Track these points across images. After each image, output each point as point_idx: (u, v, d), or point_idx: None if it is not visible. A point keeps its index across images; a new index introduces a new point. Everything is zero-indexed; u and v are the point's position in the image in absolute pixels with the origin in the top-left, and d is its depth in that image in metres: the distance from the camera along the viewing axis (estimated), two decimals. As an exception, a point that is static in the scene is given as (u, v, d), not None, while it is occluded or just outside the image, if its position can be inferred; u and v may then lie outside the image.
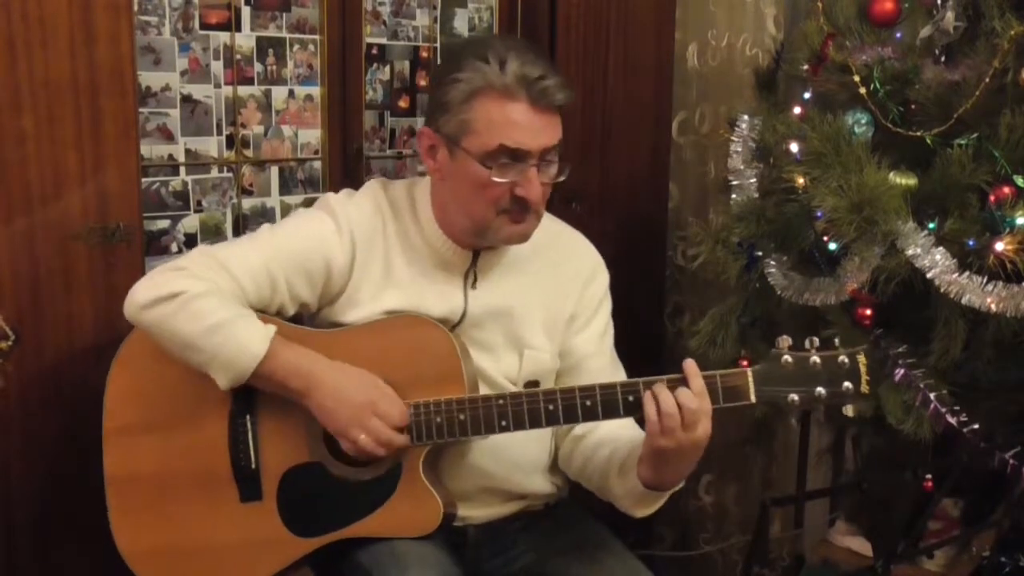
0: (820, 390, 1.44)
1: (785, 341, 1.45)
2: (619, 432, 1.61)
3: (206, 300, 1.50)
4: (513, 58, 1.49)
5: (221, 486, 1.58)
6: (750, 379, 1.44)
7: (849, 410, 1.47)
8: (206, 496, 1.58)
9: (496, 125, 1.49)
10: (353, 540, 1.55)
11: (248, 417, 1.58)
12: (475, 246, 1.63)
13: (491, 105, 1.50)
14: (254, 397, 1.57)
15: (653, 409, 1.42)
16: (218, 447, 1.58)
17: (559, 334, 1.69)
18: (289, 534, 1.57)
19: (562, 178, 1.57)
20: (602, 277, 1.74)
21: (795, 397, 1.44)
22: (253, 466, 1.58)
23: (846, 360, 1.44)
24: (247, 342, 1.49)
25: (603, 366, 1.71)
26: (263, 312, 1.58)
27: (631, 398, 1.46)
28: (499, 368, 1.64)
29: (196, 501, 1.58)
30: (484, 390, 1.59)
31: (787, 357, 1.44)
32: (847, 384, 1.43)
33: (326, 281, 1.60)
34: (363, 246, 1.60)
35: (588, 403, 1.48)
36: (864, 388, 1.44)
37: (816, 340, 1.45)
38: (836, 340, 1.46)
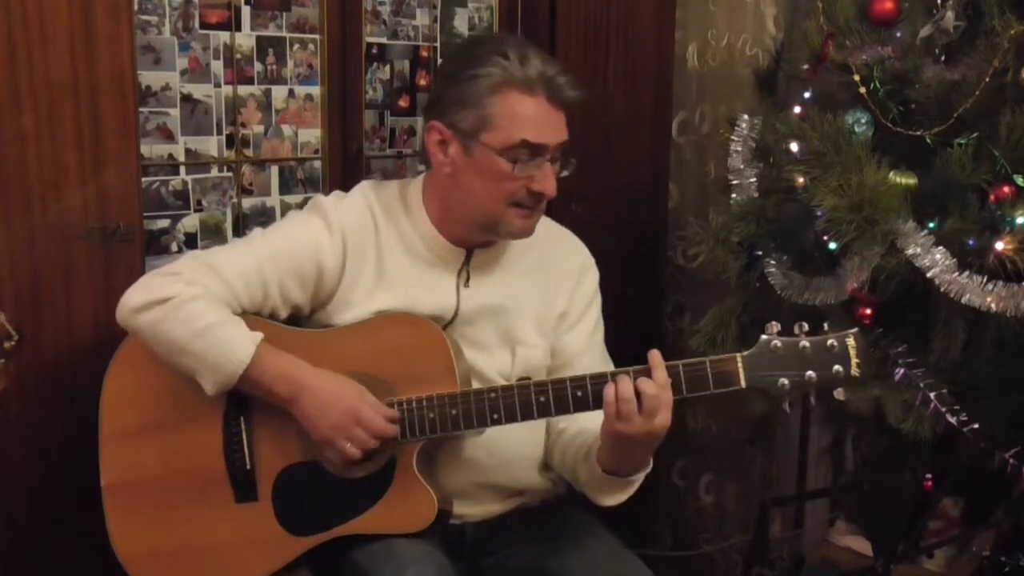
0: (811, 374, 1.44)
1: (774, 326, 1.46)
2: (594, 422, 1.61)
3: (195, 304, 1.51)
4: (533, 54, 1.54)
5: (216, 488, 1.58)
6: (740, 364, 1.45)
7: (840, 393, 1.46)
8: (202, 498, 1.58)
9: (518, 119, 1.52)
10: (349, 539, 1.56)
11: (242, 419, 1.58)
12: (470, 243, 1.63)
13: (513, 99, 1.52)
14: (247, 399, 1.57)
15: (611, 393, 1.44)
16: (213, 449, 1.58)
17: (550, 331, 1.69)
18: (285, 533, 1.57)
19: (567, 172, 1.60)
20: (592, 275, 1.75)
21: (785, 381, 1.44)
22: (248, 467, 1.58)
23: (835, 343, 1.44)
24: (233, 347, 1.50)
25: (593, 363, 1.71)
26: (257, 315, 1.58)
27: None
28: (492, 365, 1.64)
29: (192, 503, 1.59)
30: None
31: (776, 342, 1.45)
32: (837, 367, 1.44)
33: (317, 283, 1.60)
34: (354, 247, 1.61)
35: (579, 393, 1.49)
36: (855, 371, 1.44)
37: (805, 325, 1.46)
38: (825, 325, 1.47)
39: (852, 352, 1.44)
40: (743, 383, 1.45)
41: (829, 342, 1.44)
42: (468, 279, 1.64)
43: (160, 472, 1.59)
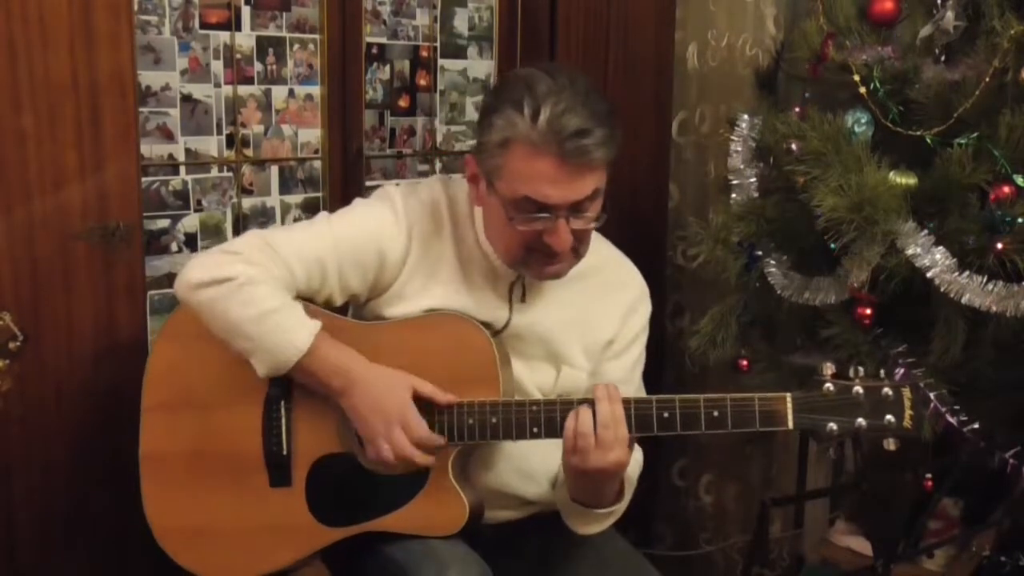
0: (861, 421, 1.41)
1: (829, 368, 1.43)
2: None
3: (257, 287, 1.49)
4: (550, 107, 1.41)
5: (252, 470, 1.58)
6: (789, 405, 1.42)
7: (890, 444, 1.42)
8: (236, 478, 1.58)
9: (523, 177, 1.44)
10: (382, 535, 1.55)
11: (283, 403, 1.58)
12: None
13: (520, 156, 1.44)
14: (291, 383, 1.56)
15: (571, 427, 1.44)
16: (251, 431, 1.58)
17: (596, 356, 1.68)
18: (315, 522, 1.57)
19: (595, 225, 1.52)
20: (644, 308, 1.72)
21: (834, 427, 1.41)
22: (284, 452, 1.57)
23: (890, 392, 1.40)
24: (292, 334, 1.49)
25: (629, 395, 1.70)
26: (311, 300, 1.57)
27: (666, 415, 1.46)
28: (534, 379, 1.63)
29: (226, 483, 1.59)
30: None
31: (829, 385, 1.42)
32: (889, 417, 1.40)
33: (378, 273, 1.58)
34: (418, 242, 1.59)
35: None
36: (907, 423, 1.40)
37: (861, 370, 1.42)
38: (882, 372, 1.44)
39: (907, 404, 1.40)
40: (791, 424, 1.42)
41: (884, 391, 1.40)
42: (524, 294, 1.62)
43: (197, 448, 1.59)
